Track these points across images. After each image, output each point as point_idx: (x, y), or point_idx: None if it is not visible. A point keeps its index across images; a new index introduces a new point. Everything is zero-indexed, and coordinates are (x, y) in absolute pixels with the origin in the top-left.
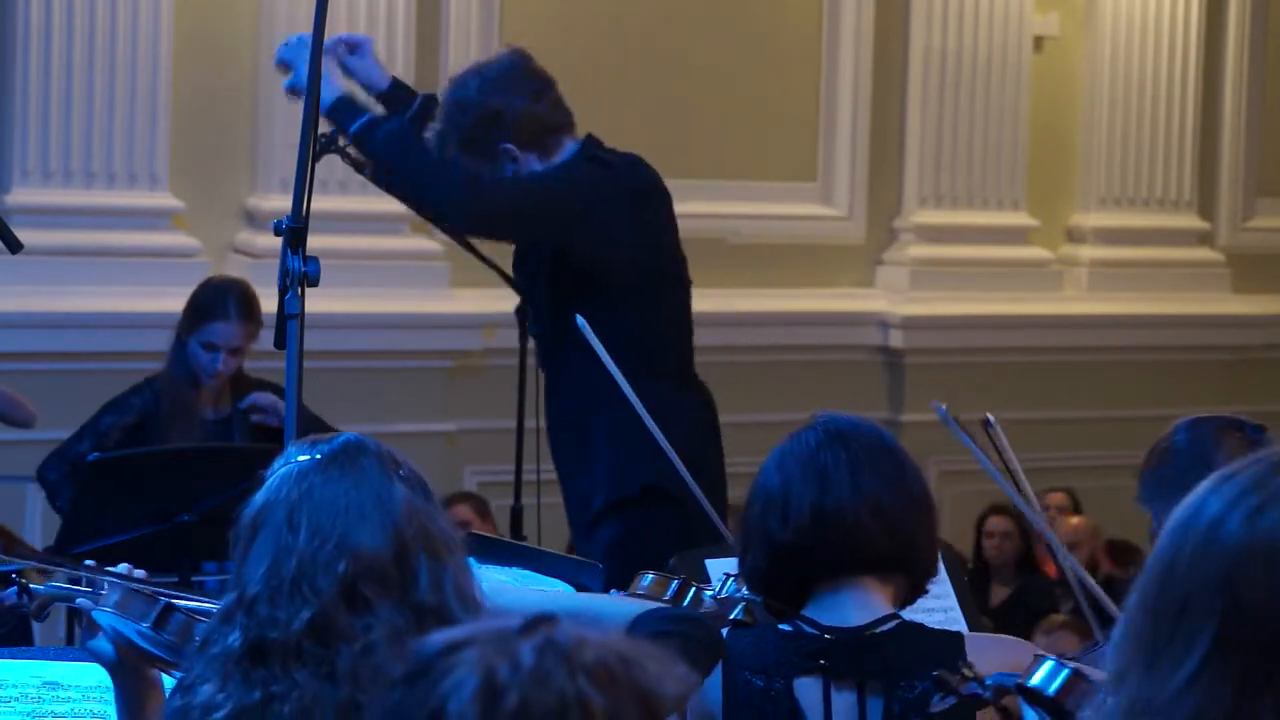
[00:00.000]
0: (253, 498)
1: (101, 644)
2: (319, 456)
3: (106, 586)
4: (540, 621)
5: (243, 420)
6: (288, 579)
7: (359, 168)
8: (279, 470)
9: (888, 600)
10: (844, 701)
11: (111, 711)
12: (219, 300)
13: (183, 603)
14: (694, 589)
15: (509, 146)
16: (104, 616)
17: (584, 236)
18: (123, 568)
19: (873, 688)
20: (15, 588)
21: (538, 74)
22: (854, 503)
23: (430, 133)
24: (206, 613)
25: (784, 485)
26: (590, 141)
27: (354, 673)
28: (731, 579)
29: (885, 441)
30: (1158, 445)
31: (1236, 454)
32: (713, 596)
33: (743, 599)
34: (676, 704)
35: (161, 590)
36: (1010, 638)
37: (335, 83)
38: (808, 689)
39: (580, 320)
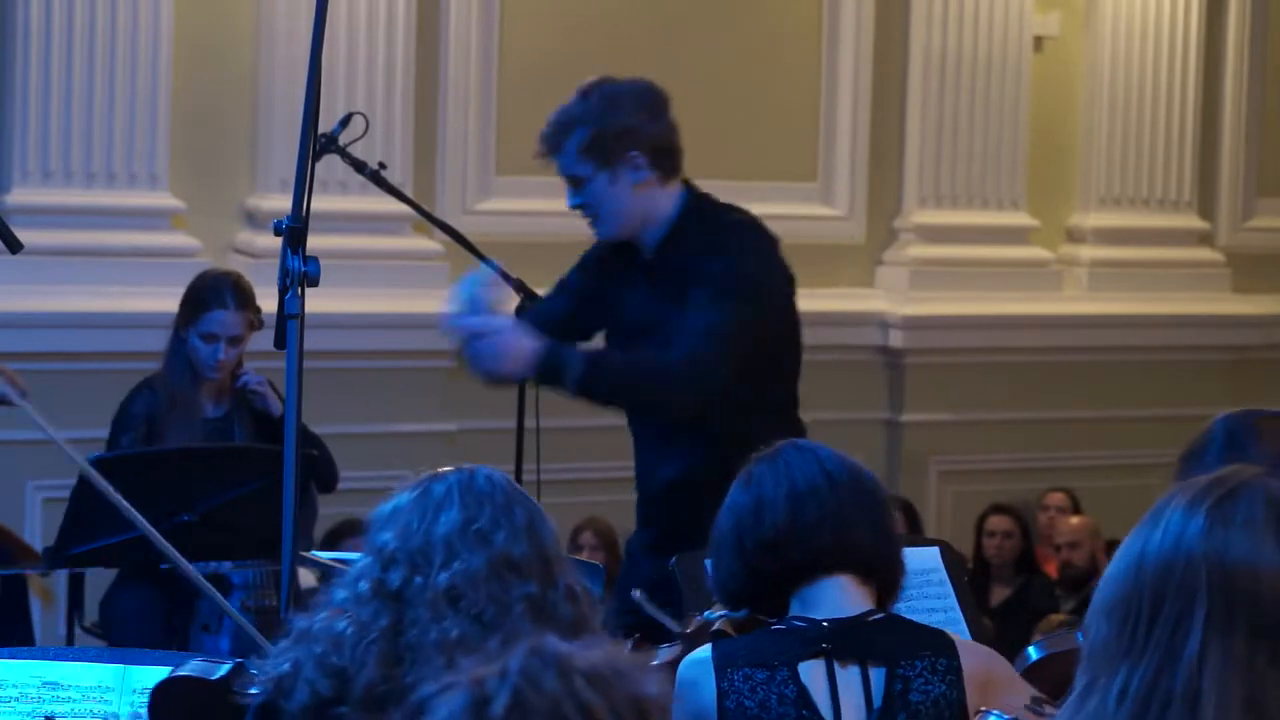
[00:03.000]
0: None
1: None
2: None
3: None
4: (529, 640)
5: (242, 415)
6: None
7: (359, 168)
8: None
9: (868, 598)
10: (848, 678)
11: (112, 711)
12: (216, 290)
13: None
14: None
15: (638, 156)
16: None
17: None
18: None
19: (874, 665)
20: None
21: (667, 109)
22: (832, 498)
23: (556, 115)
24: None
25: (756, 492)
26: (699, 194)
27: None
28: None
29: (845, 455)
30: (1199, 435)
31: (1274, 443)
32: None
33: (721, 615)
34: (660, 706)
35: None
36: (994, 653)
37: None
38: (812, 671)
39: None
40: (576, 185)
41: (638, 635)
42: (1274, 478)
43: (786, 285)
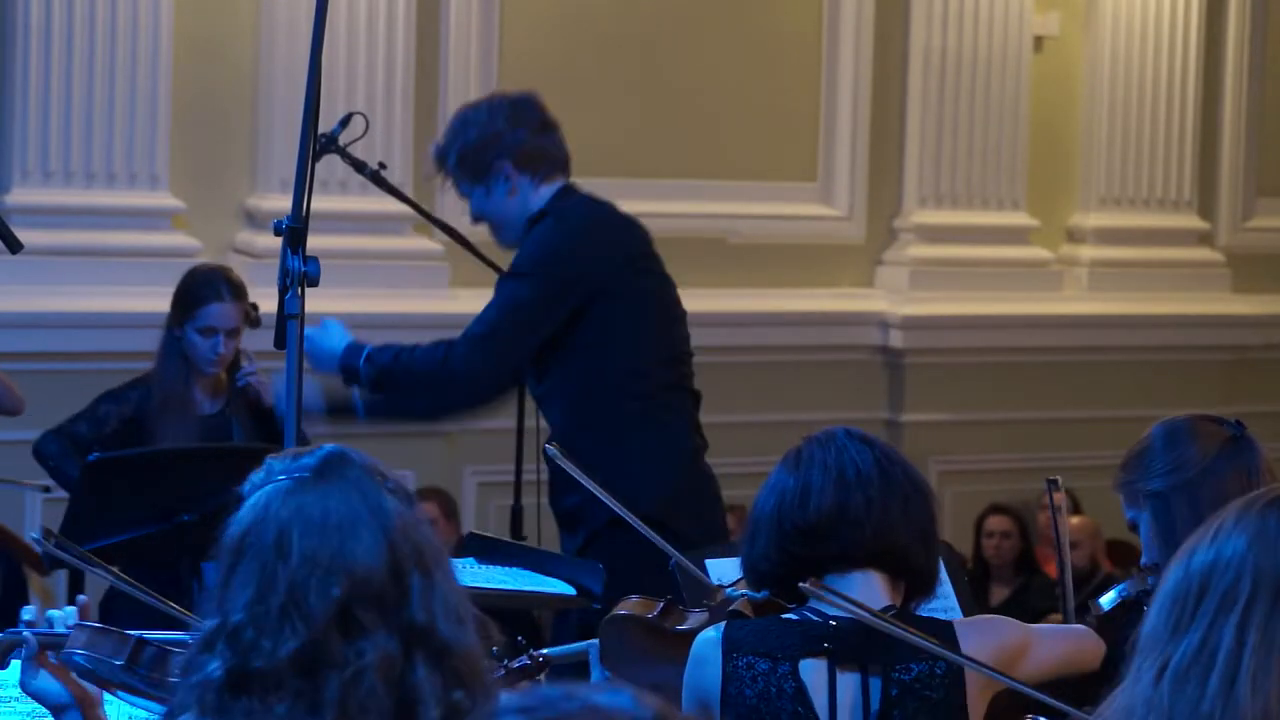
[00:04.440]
0: (235, 517)
1: (46, 683)
2: (305, 472)
3: (71, 629)
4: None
5: (239, 410)
6: (276, 606)
7: (359, 168)
8: (262, 487)
9: (893, 596)
10: (847, 683)
11: (113, 711)
12: (210, 284)
13: (154, 635)
14: (680, 606)
15: (505, 164)
16: (76, 656)
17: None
18: (71, 611)
19: (874, 670)
20: None
21: (546, 114)
22: (880, 494)
23: (431, 147)
24: (180, 643)
25: (805, 477)
26: (570, 189)
27: (341, 701)
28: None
29: (898, 452)
30: (1136, 443)
31: (1212, 445)
32: (696, 611)
33: (741, 595)
34: None
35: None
36: (998, 617)
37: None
38: (813, 670)
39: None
40: (473, 208)
41: (669, 598)
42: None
43: (613, 265)
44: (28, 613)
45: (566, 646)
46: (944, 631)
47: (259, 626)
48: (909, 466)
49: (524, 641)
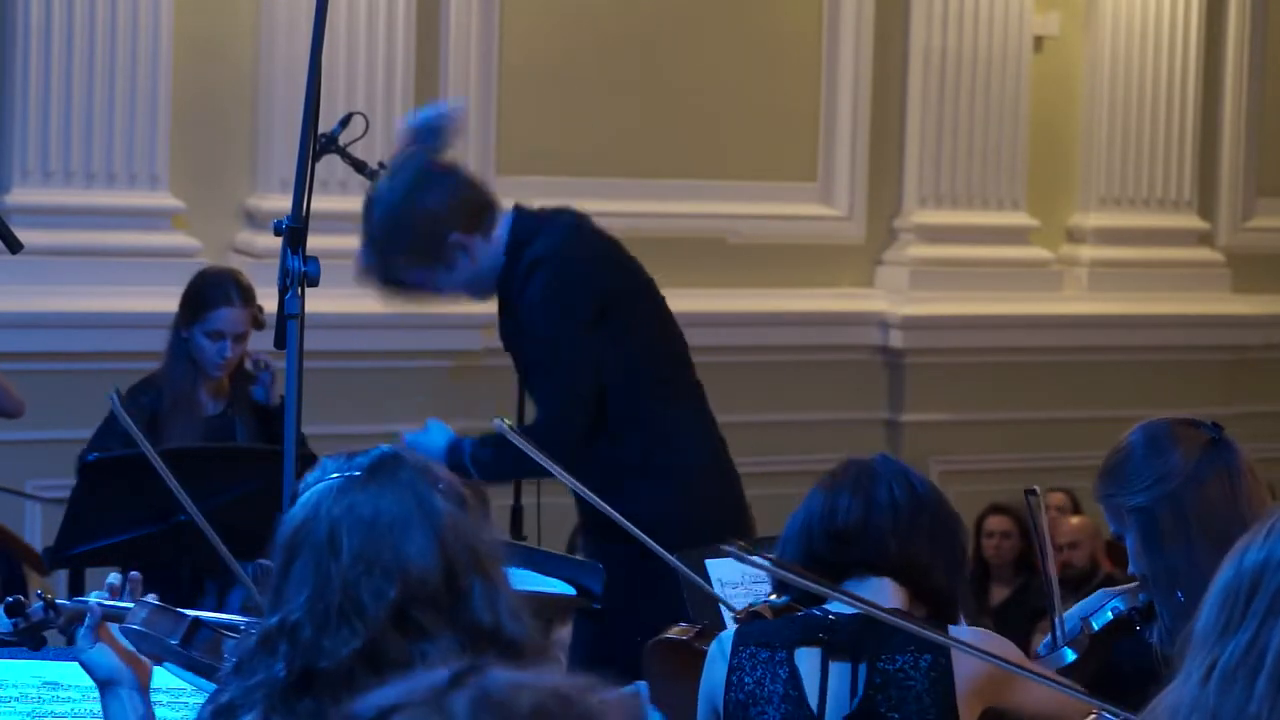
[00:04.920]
0: (289, 515)
1: (102, 656)
2: (357, 471)
3: (133, 604)
4: (468, 672)
5: (242, 411)
6: (333, 606)
7: (359, 168)
8: (315, 486)
9: (908, 605)
10: (838, 671)
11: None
12: (220, 288)
13: (209, 617)
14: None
15: (455, 237)
16: (135, 627)
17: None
18: (115, 577)
19: (863, 658)
20: (42, 603)
21: (443, 163)
22: (908, 516)
23: (365, 259)
24: (232, 626)
25: (834, 494)
26: (521, 216)
27: None
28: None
29: (934, 486)
30: (1115, 445)
31: (1193, 452)
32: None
33: (765, 600)
34: None
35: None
36: (1000, 638)
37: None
38: (807, 658)
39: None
40: (436, 290)
41: (705, 624)
42: None
43: (614, 282)
44: (114, 578)
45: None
46: (939, 627)
47: (318, 626)
48: (942, 498)
49: None
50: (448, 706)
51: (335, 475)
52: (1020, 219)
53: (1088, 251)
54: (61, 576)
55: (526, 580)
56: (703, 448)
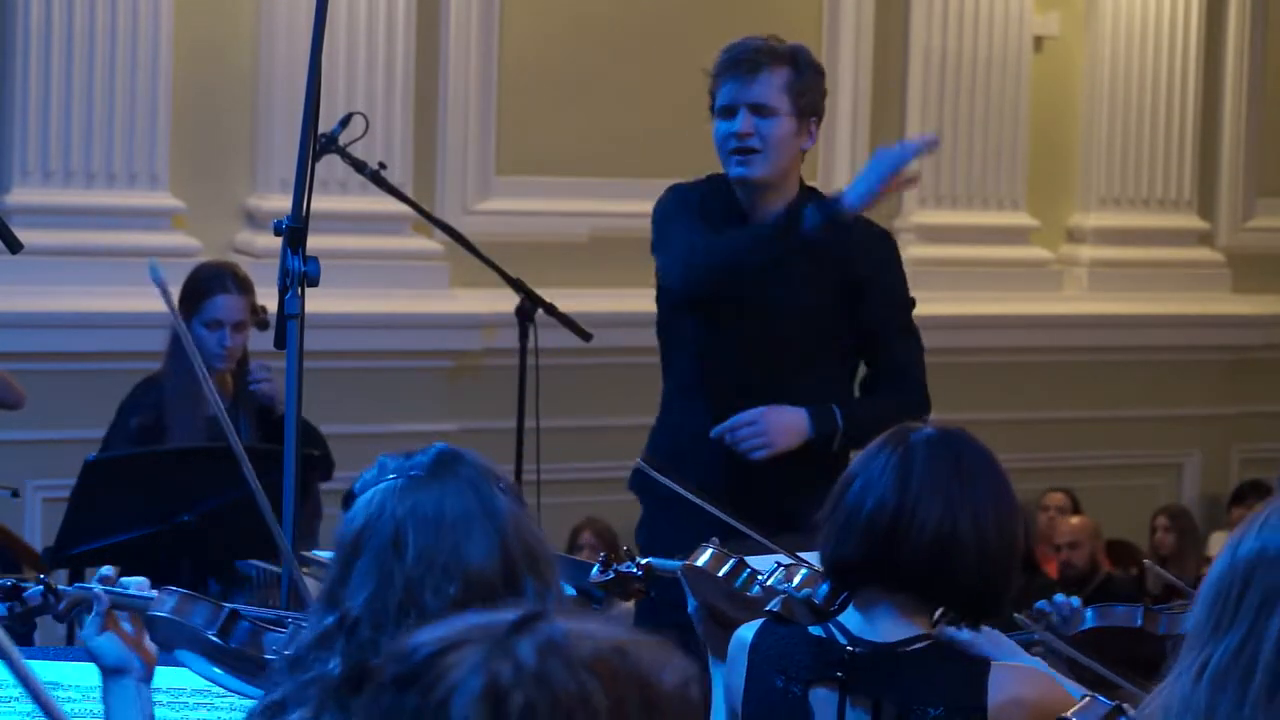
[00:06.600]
0: (349, 515)
1: (109, 644)
2: (419, 470)
3: (157, 591)
4: (534, 617)
5: (247, 410)
6: (394, 604)
7: (359, 168)
8: (376, 485)
9: (924, 620)
10: (856, 717)
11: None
12: (216, 277)
13: (247, 609)
14: (748, 571)
15: (817, 120)
16: (160, 615)
17: None
18: (109, 569)
19: (888, 708)
20: (41, 588)
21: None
22: (973, 536)
23: (786, 47)
24: (272, 620)
25: (913, 497)
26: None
27: None
28: (782, 569)
29: (994, 462)
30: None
31: None
32: (760, 585)
33: (784, 592)
34: (678, 695)
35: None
36: (1034, 670)
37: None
38: (823, 699)
39: None
40: (760, 114)
41: (739, 558)
42: None
43: None
44: (108, 570)
45: (666, 561)
46: (978, 669)
47: (377, 624)
48: (1005, 484)
49: (628, 549)
50: (513, 648)
51: (394, 474)
52: (1020, 219)
53: (1088, 251)
54: (61, 577)
55: None
56: None
